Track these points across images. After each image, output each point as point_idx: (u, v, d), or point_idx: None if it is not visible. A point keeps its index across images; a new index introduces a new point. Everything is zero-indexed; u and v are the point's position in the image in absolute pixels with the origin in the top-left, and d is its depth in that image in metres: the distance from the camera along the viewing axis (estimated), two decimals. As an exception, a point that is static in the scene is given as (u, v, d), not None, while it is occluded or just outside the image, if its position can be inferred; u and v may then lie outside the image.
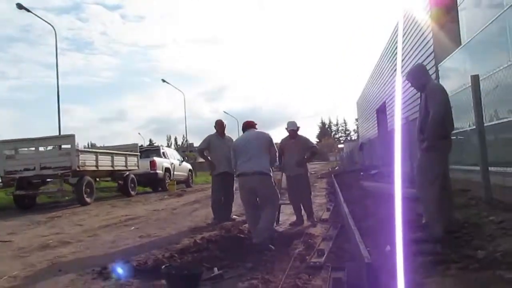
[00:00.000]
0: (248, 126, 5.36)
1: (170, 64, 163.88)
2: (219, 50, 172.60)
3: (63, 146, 12.66)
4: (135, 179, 15.45)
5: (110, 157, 13.77)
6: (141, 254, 4.75)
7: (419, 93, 4.57)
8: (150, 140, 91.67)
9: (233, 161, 5.17)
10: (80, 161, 11.73)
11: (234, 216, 7.21)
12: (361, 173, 16.53)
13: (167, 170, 17.36)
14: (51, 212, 10.34)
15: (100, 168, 13.01)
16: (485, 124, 5.74)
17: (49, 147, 13.76)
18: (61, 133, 17.90)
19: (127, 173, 15.02)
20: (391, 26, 20.56)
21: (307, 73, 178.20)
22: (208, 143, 7.30)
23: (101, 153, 13.50)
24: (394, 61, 18.85)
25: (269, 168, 4.95)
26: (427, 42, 13.45)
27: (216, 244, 4.85)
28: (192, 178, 20.66)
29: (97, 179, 14.26)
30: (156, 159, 16.78)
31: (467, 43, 10.35)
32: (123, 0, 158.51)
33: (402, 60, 15.06)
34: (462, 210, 5.09)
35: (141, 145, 21.37)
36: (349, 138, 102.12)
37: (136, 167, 15.51)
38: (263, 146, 4.98)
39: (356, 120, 59.88)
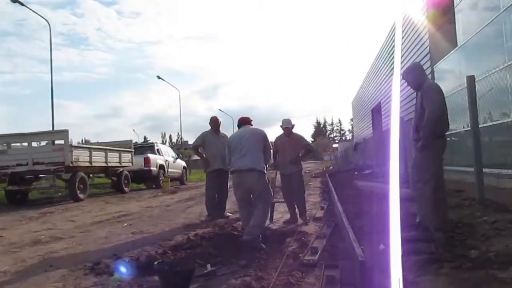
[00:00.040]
0: (244, 122, 5.32)
1: (165, 61, 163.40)
2: (215, 48, 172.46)
3: (56, 142, 12.55)
4: (129, 176, 15.38)
5: (104, 153, 13.68)
6: (133, 250, 4.73)
7: (414, 94, 4.58)
8: (145, 137, 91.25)
9: (227, 157, 5.13)
10: (74, 157, 11.64)
11: (228, 213, 7.19)
12: (355, 173, 16.56)
13: (161, 167, 17.30)
14: (44, 208, 10.26)
15: (93, 164, 12.92)
16: (479, 126, 5.77)
17: (42, 143, 13.67)
18: (55, 129, 17.77)
19: (121, 169, 14.94)
20: (387, 27, 20.62)
21: (303, 73, 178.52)
22: (202, 140, 7.28)
23: (95, 149, 13.39)
24: (390, 62, 18.91)
25: (263, 165, 4.91)
26: (423, 43, 13.49)
27: (209, 241, 4.83)
28: (186, 176, 20.60)
29: (91, 175, 14.20)
30: (150, 156, 16.71)
31: (463, 44, 10.40)
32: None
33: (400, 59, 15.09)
34: (456, 210, 5.11)
35: (136, 142, 21.26)
36: (343, 138, 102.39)
37: (130, 164, 15.43)
38: (258, 142, 4.96)
39: (351, 120, 60.07)
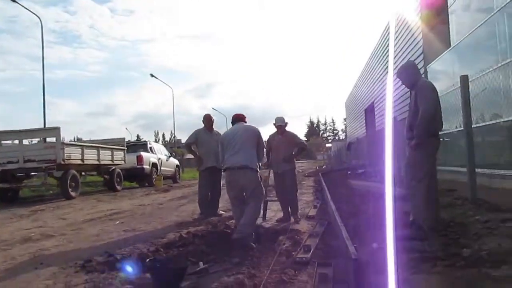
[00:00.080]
0: (238, 119, 5.28)
1: (159, 59, 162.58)
2: (209, 47, 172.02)
3: (48, 139, 12.44)
4: (121, 174, 15.30)
5: (96, 151, 13.59)
6: (125, 248, 4.69)
7: (407, 94, 4.59)
8: (138, 136, 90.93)
9: (220, 154, 5.10)
10: (65, 155, 11.54)
11: (220, 212, 7.16)
12: (349, 172, 16.60)
13: (154, 165, 17.22)
14: (35, 206, 10.17)
15: (85, 162, 12.83)
16: (472, 126, 5.80)
17: (34, 140, 13.55)
18: (47, 126, 17.60)
19: (113, 167, 14.85)
20: (381, 28, 20.69)
21: (297, 73, 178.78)
22: (195, 137, 7.24)
23: (87, 147, 13.30)
24: (383, 62, 18.98)
25: (256, 163, 4.87)
26: (417, 43, 13.55)
27: (202, 239, 4.81)
28: (179, 174, 20.53)
29: (83, 173, 14.09)
30: (143, 154, 16.62)
31: (456, 45, 10.46)
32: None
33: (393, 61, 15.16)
34: (448, 210, 5.13)
35: (129, 140, 21.15)
36: (337, 137, 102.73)
37: (123, 162, 15.34)
38: (251, 139, 4.91)
39: (344, 120, 60.29)
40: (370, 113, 23.55)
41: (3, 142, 12.19)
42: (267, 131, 6.73)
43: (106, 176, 14.72)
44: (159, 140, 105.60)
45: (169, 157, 19.42)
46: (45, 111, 19.61)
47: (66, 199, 11.57)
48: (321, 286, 3.03)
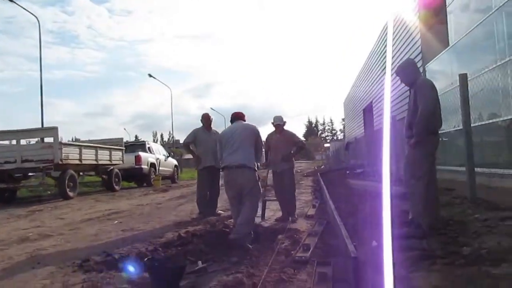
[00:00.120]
0: (237, 117, 5.22)
1: (157, 60, 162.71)
2: (207, 47, 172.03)
3: (45, 139, 12.40)
4: (119, 174, 15.26)
5: (94, 150, 13.54)
6: (123, 247, 4.66)
7: (406, 93, 4.58)
8: (136, 136, 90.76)
9: (219, 152, 5.05)
10: (63, 154, 11.49)
11: (219, 211, 7.14)
12: (347, 172, 16.60)
13: (152, 165, 17.18)
14: (32, 206, 10.13)
15: (83, 162, 12.78)
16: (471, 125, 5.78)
17: (32, 140, 13.50)
18: (44, 126, 17.53)
19: (112, 167, 14.81)
20: (379, 27, 20.69)
21: (296, 73, 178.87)
22: (194, 136, 7.21)
23: (85, 147, 13.24)
24: (382, 61, 18.99)
25: (254, 162, 4.81)
26: (415, 43, 13.56)
27: (200, 238, 4.78)
28: (177, 174, 20.50)
29: (81, 173, 14.02)
30: (142, 154, 16.58)
31: (454, 44, 10.46)
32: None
33: (391, 59, 15.16)
34: (447, 208, 5.12)
35: (127, 141, 21.10)
36: (335, 137, 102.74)
37: (121, 162, 15.30)
38: (250, 138, 4.85)
39: (343, 120, 60.29)
40: (368, 113, 23.57)
41: (0, 142, 12.14)
42: (266, 131, 6.72)
43: (104, 176, 14.67)
44: (157, 140, 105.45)
45: (168, 157, 19.38)
46: (43, 112, 19.53)
47: (64, 199, 11.52)
48: (320, 285, 3.00)
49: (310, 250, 3.97)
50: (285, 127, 6.57)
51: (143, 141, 18.97)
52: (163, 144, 79.19)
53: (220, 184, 7.03)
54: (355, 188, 9.66)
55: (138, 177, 16.98)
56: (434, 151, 4.25)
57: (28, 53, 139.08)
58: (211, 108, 52.04)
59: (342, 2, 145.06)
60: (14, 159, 11.36)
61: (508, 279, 2.51)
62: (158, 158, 17.86)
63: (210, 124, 7.35)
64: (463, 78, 5.51)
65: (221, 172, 5.92)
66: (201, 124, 7.34)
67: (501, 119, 7.46)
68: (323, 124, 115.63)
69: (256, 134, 4.97)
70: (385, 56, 17.93)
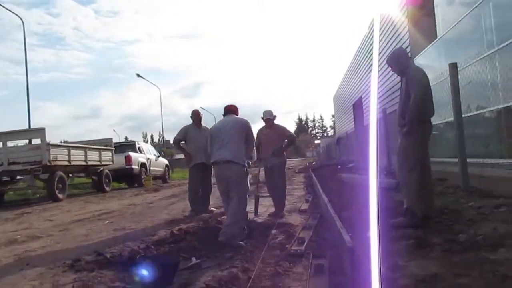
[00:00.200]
0: (229, 111, 5.10)
1: (145, 60, 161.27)
2: (195, 47, 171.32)
3: (33, 141, 12.18)
4: (109, 175, 15.09)
5: (83, 151, 13.36)
6: (115, 246, 4.57)
7: (396, 86, 4.56)
8: (126, 138, 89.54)
9: (209, 147, 4.93)
10: (52, 156, 11.30)
11: (212, 208, 7.06)
12: (339, 167, 16.63)
13: (143, 165, 17.03)
14: (21, 209, 9.95)
15: (72, 163, 12.59)
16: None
17: (19, 142, 13.24)
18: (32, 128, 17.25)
19: (102, 168, 14.64)
20: (367, 21, 20.75)
21: (285, 70, 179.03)
22: (184, 133, 7.12)
23: (74, 148, 13.06)
24: (370, 56, 19.02)
25: (243, 157, 4.66)
26: (403, 37, 13.59)
27: (193, 235, 4.72)
28: (169, 174, 20.36)
29: (70, 175, 13.85)
30: (132, 154, 16.40)
31: (442, 36, 10.49)
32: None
33: (378, 55, 15.18)
34: (441, 197, 5.12)
35: (116, 142, 20.88)
36: (325, 134, 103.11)
37: (111, 162, 15.12)
38: (240, 132, 4.73)
39: (333, 116, 60.49)
40: (358, 108, 23.61)
41: (-14, 145, 11.88)
42: (256, 129, 6.63)
43: (94, 177, 14.50)
44: (147, 141, 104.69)
45: (158, 156, 19.23)
46: (30, 113, 19.21)
47: (53, 201, 11.34)
48: (317, 277, 2.96)
49: (305, 243, 3.93)
50: (275, 121, 6.51)
51: (133, 141, 18.77)
52: (154, 144, 78.73)
53: (212, 181, 6.95)
54: (347, 182, 9.66)
55: (129, 178, 16.80)
56: (427, 140, 4.23)
57: (13, 56, 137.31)
58: (201, 107, 51.83)
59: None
60: (0, 161, 11.13)
61: (506, 264, 2.49)
62: (148, 158, 17.72)
63: (200, 121, 7.27)
64: (453, 67, 5.49)
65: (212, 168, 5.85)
66: (191, 121, 7.26)
67: (490, 109, 7.50)
68: (313, 121, 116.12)
69: (247, 128, 4.87)
70: (373, 49, 17.95)
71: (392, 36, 14.55)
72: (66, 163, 12.25)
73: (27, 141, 12.59)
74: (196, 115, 7.23)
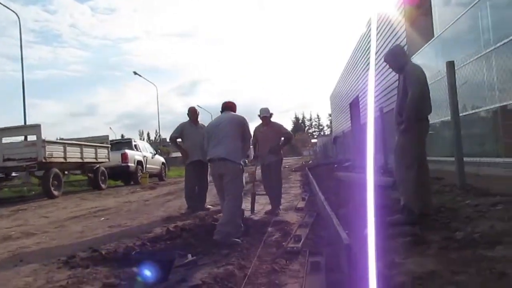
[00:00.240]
0: (226, 107, 5.02)
1: (142, 58, 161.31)
2: (192, 45, 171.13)
3: (28, 137, 12.10)
4: (105, 172, 15.02)
5: (79, 148, 13.30)
6: (110, 243, 4.54)
7: (394, 85, 4.54)
8: (122, 135, 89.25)
9: (205, 144, 4.87)
10: (47, 153, 11.24)
11: (208, 206, 7.03)
12: (335, 165, 16.64)
13: (139, 163, 16.96)
14: (16, 206, 9.89)
15: (68, 160, 12.52)
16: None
17: (14, 139, 13.16)
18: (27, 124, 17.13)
19: (98, 165, 14.57)
20: (364, 20, 20.74)
21: (281, 69, 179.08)
22: (181, 130, 7.09)
23: (70, 145, 12.97)
24: (367, 55, 19.04)
25: (239, 155, 4.59)
26: (400, 36, 13.60)
27: (189, 232, 4.70)
28: (165, 172, 20.29)
29: (66, 172, 13.78)
30: (128, 151, 16.33)
31: (439, 35, 10.50)
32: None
33: (375, 54, 15.19)
34: (437, 196, 5.11)
35: (112, 139, 20.78)
36: (322, 133, 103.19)
37: (107, 160, 15.06)
38: (235, 130, 4.66)
39: (329, 115, 60.55)
40: (354, 107, 23.65)
41: (-19, 141, 11.80)
42: (252, 127, 6.60)
43: (90, 175, 14.43)
44: (144, 139, 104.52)
45: (155, 154, 19.16)
46: (25, 112, 19.04)
47: (49, 198, 11.28)
48: (313, 274, 2.94)
49: (302, 241, 3.91)
50: (272, 119, 6.49)
51: (129, 139, 18.68)
52: (150, 143, 78.54)
53: (208, 178, 6.93)
54: (344, 180, 9.65)
55: (125, 175, 16.75)
56: (424, 137, 4.22)
57: (9, 53, 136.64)
58: (198, 106, 51.72)
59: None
60: (-5, 158, 11.07)
61: (504, 261, 2.48)
62: (145, 156, 17.65)
63: (197, 118, 7.24)
64: (450, 66, 5.48)
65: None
66: (188, 118, 7.22)
67: (486, 108, 7.52)
68: (310, 119, 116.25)
69: (243, 125, 4.79)
70: (370, 50, 17.97)
71: (389, 35, 14.57)
72: (62, 160, 12.19)
73: (22, 137, 12.53)
74: (192, 112, 7.20)
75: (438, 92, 7.98)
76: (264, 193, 6.70)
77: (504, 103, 6.79)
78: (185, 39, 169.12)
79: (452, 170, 5.90)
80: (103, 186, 14.61)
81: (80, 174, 14.90)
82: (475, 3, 7.99)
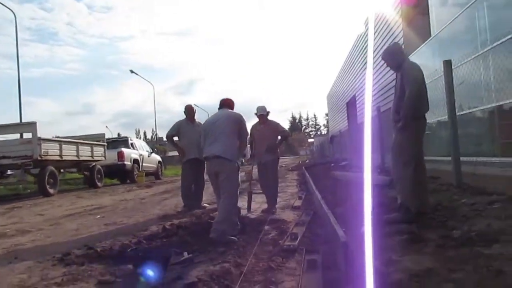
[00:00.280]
0: (224, 104, 4.98)
1: (139, 57, 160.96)
2: (189, 44, 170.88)
3: (24, 135, 12.04)
4: (101, 170, 14.98)
5: (75, 146, 13.24)
6: (106, 241, 4.51)
7: (391, 84, 4.54)
8: (119, 134, 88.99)
9: (202, 142, 4.83)
10: (43, 150, 11.18)
11: (204, 204, 7.01)
12: (332, 165, 16.64)
13: (135, 161, 16.90)
14: (11, 203, 9.84)
15: (64, 158, 12.47)
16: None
17: (10, 136, 13.09)
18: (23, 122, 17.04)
19: (94, 164, 14.52)
20: (361, 20, 20.74)
21: (278, 68, 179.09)
22: (177, 128, 7.06)
23: (65, 142, 12.91)
24: (364, 55, 19.04)
25: (234, 152, 4.55)
26: (397, 35, 13.60)
27: (186, 230, 4.67)
28: (161, 170, 20.24)
29: (62, 170, 13.71)
30: (124, 150, 16.28)
31: (436, 35, 10.50)
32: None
33: (372, 53, 15.19)
34: (434, 195, 5.11)
35: (109, 138, 20.71)
36: (319, 132, 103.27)
37: (103, 158, 15.01)
38: (231, 127, 4.61)
39: (326, 115, 60.52)
40: (351, 106, 23.65)
41: (-24, 138, 11.75)
42: (249, 126, 6.57)
43: (86, 173, 14.39)
44: (140, 138, 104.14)
45: (151, 153, 19.10)
46: (21, 109, 18.93)
47: (44, 196, 11.24)
48: (310, 272, 2.93)
49: (298, 239, 3.90)
50: (269, 117, 6.47)
51: (126, 137, 18.64)
52: (147, 141, 78.36)
53: (205, 177, 6.90)
54: (340, 179, 9.65)
55: (121, 174, 16.68)
56: (422, 136, 4.22)
57: (5, 51, 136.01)
58: (195, 105, 51.56)
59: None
60: (-10, 156, 11.00)
61: (501, 259, 2.48)
62: (141, 154, 17.59)
63: (194, 116, 7.21)
64: (448, 64, 5.48)
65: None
66: (185, 116, 7.19)
67: (482, 108, 7.51)
68: (307, 119, 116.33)
69: (240, 122, 4.74)
70: (367, 49, 17.97)
71: (387, 35, 14.57)
72: (58, 158, 12.13)
73: (18, 135, 12.46)
74: (189, 110, 7.17)
75: (435, 91, 7.97)
76: (261, 191, 6.68)
77: (501, 103, 6.78)
78: (183, 38, 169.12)
79: (448, 170, 5.90)
80: (99, 184, 14.56)
81: (76, 172, 14.85)
82: (472, 3, 7.99)
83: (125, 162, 16.07)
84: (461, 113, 7.90)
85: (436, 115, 8.68)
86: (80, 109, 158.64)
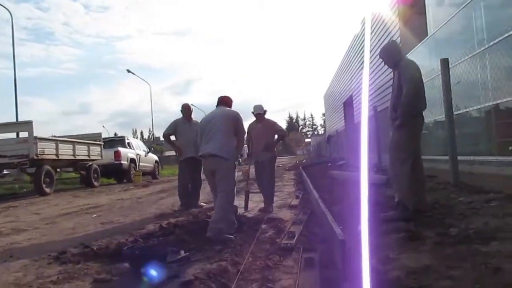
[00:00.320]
0: (221, 102, 4.92)
1: (135, 57, 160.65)
2: (186, 43, 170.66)
3: (20, 134, 11.98)
4: (98, 170, 14.92)
5: (71, 146, 13.19)
6: (102, 239, 4.49)
7: (388, 83, 4.53)
8: (115, 134, 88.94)
9: (198, 140, 4.80)
10: (39, 149, 11.13)
11: (201, 203, 6.99)
12: (329, 164, 16.66)
13: (132, 161, 16.86)
14: (7, 203, 9.78)
15: (60, 157, 12.42)
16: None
17: (6, 135, 13.02)
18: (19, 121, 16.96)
19: (90, 163, 14.47)
20: (358, 20, 20.78)
21: (275, 68, 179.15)
22: (174, 127, 7.03)
23: (62, 142, 12.86)
24: (361, 54, 19.05)
25: (231, 151, 4.52)
26: (394, 35, 13.62)
27: (182, 229, 4.65)
28: (158, 170, 20.18)
29: (58, 169, 13.66)
30: (121, 149, 16.23)
31: (432, 34, 10.52)
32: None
33: (369, 53, 15.20)
34: (431, 193, 5.12)
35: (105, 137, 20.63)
36: (316, 132, 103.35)
37: (100, 157, 14.95)
38: (228, 125, 4.57)
39: (323, 114, 60.64)
40: (348, 106, 23.69)
41: (-28, 138, 11.68)
42: (246, 125, 6.56)
43: (82, 172, 14.33)
44: (137, 137, 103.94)
45: (148, 152, 19.05)
46: (17, 108, 18.89)
47: (40, 195, 11.19)
48: (307, 271, 2.92)
49: (296, 238, 3.89)
50: (266, 116, 6.46)
51: (122, 137, 18.55)
52: (144, 141, 78.12)
53: (202, 176, 6.88)
54: (337, 179, 9.65)
55: (118, 173, 16.63)
56: (419, 133, 4.22)
57: (1, 51, 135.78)
58: (192, 104, 51.49)
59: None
60: (-14, 155, 10.93)
61: (498, 256, 2.47)
62: (138, 154, 17.54)
63: (191, 115, 7.18)
64: (445, 63, 5.48)
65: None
66: (181, 115, 7.17)
67: (479, 107, 7.52)
68: (304, 119, 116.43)
69: (236, 120, 4.68)
70: (364, 49, 17.99)
71: (383, 35, 14.58)
72: (54, 157, 12.08)
73: (14, 134, 12.40)
74: (186, 109, 7.15)
75: (431, 90, 7.98)
76: (258, 191, 6.67)
77: (498, 101, 6.79)
78: (182, 38, 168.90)
79: (445, 168, 5.91)
80: (95, 183, 14.51)
81: (73, 172, 14.78)
82: (468, 3, 8.00)
83: (122, 162, 16.02)
84: (458, 112, 7.91)
85: (433, 114, 8.69)
86: (77, 109, 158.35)
